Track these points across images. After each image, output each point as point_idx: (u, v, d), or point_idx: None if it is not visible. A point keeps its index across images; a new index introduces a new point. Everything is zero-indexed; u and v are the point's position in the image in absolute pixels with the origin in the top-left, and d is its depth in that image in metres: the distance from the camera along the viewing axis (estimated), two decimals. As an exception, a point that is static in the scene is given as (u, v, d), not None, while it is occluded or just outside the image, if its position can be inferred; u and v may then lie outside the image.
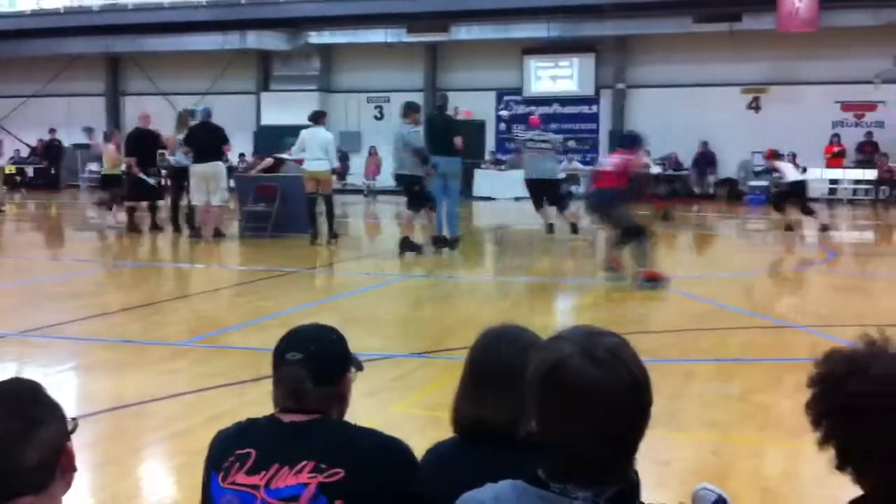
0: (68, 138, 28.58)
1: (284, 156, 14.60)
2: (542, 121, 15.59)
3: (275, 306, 8.90)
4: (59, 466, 1.80)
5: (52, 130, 28.17)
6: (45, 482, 1.78)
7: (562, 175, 16.67)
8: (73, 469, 1.84)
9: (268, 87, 28.50)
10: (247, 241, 14.25)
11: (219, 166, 14.30)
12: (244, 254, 13.52)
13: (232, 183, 15.49)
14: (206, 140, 14.14)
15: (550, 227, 14.50)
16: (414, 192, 12.70)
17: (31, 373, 6.60)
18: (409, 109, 12.84)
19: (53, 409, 1.83)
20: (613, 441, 1.59)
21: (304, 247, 13.36)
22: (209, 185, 14.13)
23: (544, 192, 14.55)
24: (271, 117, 26.94)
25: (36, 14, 28.37)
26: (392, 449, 2.33)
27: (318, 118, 13.88)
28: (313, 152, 13.46)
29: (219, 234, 14.39)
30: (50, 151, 28.35)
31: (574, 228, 14.27)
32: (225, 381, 5.98)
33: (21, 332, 7.49)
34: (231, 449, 2.30)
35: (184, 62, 28.03)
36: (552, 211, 14.56)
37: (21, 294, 9.94)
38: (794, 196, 15.93)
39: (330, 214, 13.78)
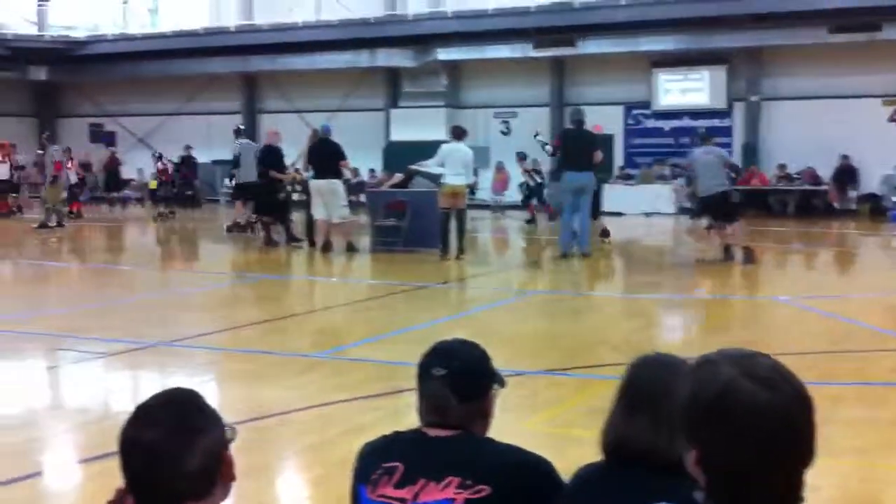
0: (208, 155, 29.70)
1: (423, 168, 14.74)
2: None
3: (406, 321, 9.00)
4: (219, 475, 1.86)
5: (187, 147, 29.23)
6: (206, 489, 1.84)
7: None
8: (233, 478, 1.89)
9: (396, 104, 28.94)
10: (377, 255, 14.47)
11: (336, 183, 14.64)
12: (375, 268, 13.73)
13: (363, 198, 15.78)
14: (324, 157, 14.54)
15: (728, 251, 13.11)
16: None
17: (172, 382, 6.86)
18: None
19: (214, 417, 1.89)
20: (785, 465, 1.53)
21: (434, 262, 13.47)
22: (327, 201, 14.49)
23: (719, 207, 13.20)
24: (400, 133, 27.32)
25: (177, 35, 29.60)
26: (538, 467, 2.31)
27: (459, 134, 14.07)
28: (454, 167, 13.61)
29: (351, 249, 14.67)
30: (186, 168, 29.40)
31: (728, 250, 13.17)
32: (358, 393, 6.06)
33: (163, 342, 7.79)
34: (378, 462, 2.32)
35: (316, 80, 28.74)
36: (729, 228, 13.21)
37: (162, 305, 10.35)
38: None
39: (462, 230, 13.88)
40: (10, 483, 4.47)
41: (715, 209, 13.20)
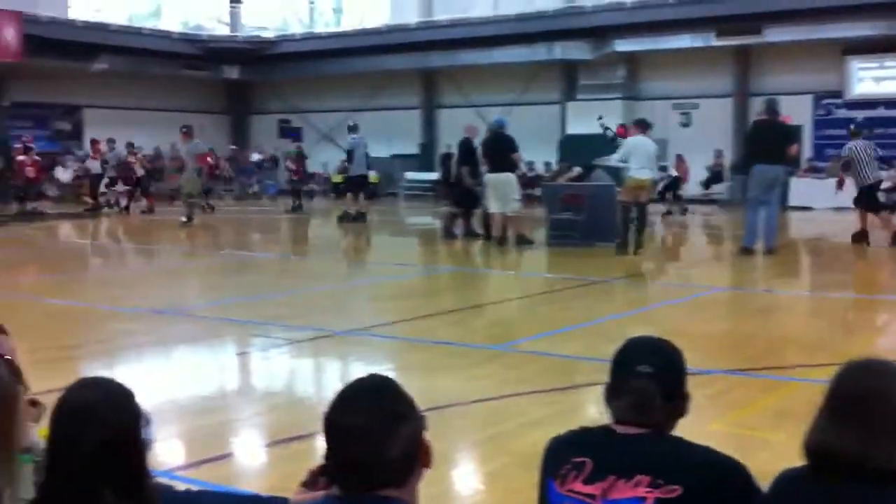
0: (388, 150, 30.43)
1: (607, 163, 14.56)
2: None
3: (583, 315, 8.91)
4: (417, 461, 1.87)
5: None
6: (405, 477, 1.86)
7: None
8: (429, 465, 1.90)
9: (573, 97, 28.71)
10: (553, 249, 14.40)
11: (509, 177, 14.71)
12: (552, 262, 13.67)
13: (538, 191, 15.75)
14: (498, 150, 14.64)
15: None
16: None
17: (354, 371, 7.04)
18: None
19: (412, 405, 1.91)
20: None
21: (611, 256, 13.27)
22: (501, 194, 14.56)
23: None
24: (576, 126, 27.08)
25: (359, 33, 30.44)
26: (732, 469, 2.24)
27: (644, 127, 13.87)
28: (640, 161, 13.42)
29: (525, 242, 14.69)
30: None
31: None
32: (535, 387, 6.03)
33: (345, 331, 8.01)
34: (567, 457, 2.30)
35: (493, 74, 28.89)
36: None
37: (345, 295, 10.66)
38: None
39: (643, 224, 13.64)
40: (205, 463, 4.69)
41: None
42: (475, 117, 24.74)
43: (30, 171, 21.99)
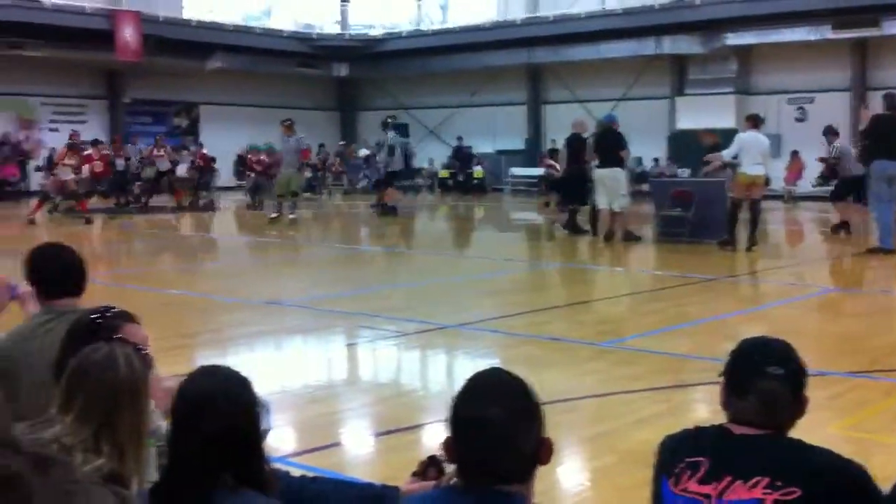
0: (493, 146, 30.48)
1: (724, 158, 14.23)
2: None
3: (695, 313, 8.75)
4: (538, 459, 1.88)
5: (458, 138, 30.10)
6: (530, 473, 1.87)
7: None
8: (547, 462, 1.91)
9: (682, 92, 28.19)
10: (662, 245, 14.18)
11: (618, 172, 14.57)
12: (660, 258, 13.47)
13: (646, 187, 15.53)
14: (607, 146, 14.51)
15: None
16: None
17: (461, 364, 7.08)
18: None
19: (539, 401, 1.92)
20: None
21: (722, 253, 13.01)
22: (609, 190, 14.43)
23: None
24: (686, 122, 26.60)
25: (465, 30, 30.53)
26: (854, 473, 2.17)
27: (756, 123, 13.59)
28: (753, 157, 13.13)
29: (632, 238, 14.52)
30: (460, 158, 30.30)
31: None
32: (647, 385, 5.96)
33: (452, 325, 8.06)
34: (681, 456, 2.27)
35: (599, 70, 28.60)
36: None
37: (453, 289, 10.73)
38: None
39: (755, 221, 13.32)
40: (316, 451, 4.79)
41: None
42: (581, 112, 24.54)
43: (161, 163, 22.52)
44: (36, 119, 27.01)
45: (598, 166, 14.69)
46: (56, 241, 3.85)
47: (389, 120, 20.62)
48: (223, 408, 2.11)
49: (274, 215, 18.26)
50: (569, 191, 16.10)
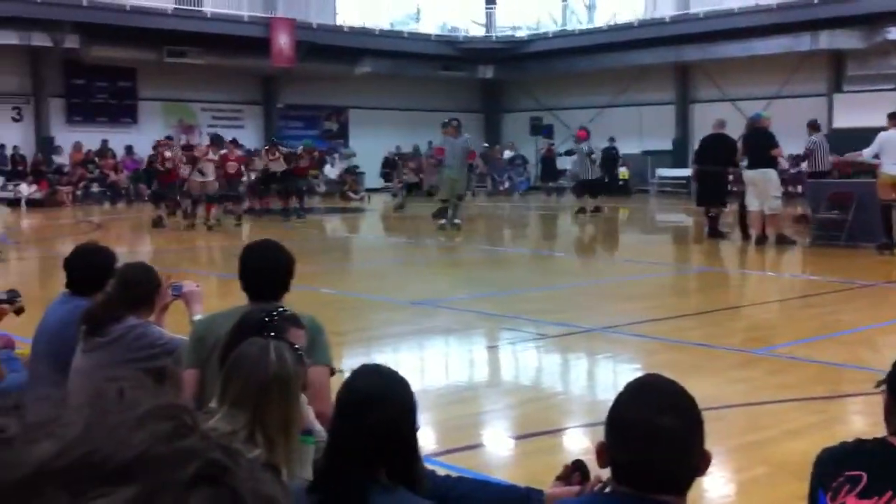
0: (639, 146, 30.03)
1: (864, 157, 13.63)
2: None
3: (851, 320, 8.38)
4: (699, 470, 1.86)
5: (610, 139, 29.71)
6: (691, 483, 1.85)
7: None
8: (703, 474, 1.88)
9: (840, 89, 27.01)
10: (816, 249, 13.63)
11: (769, 172, 14.04)
12: (815, 263, 12.95)
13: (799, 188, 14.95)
14: (758, 146, 14.03)
15: None
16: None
17: (604, 368, 7.01)
18: None
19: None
20: None
21: (880, 258, 12.40)
22: (760, 191, 13.96)
23: None
24: (844, 120, 25.46)
25: (611, 29, 30.17)
26: None
27: None
28: (893, 156, 12.51)
29: (786, 241, 14.01)
30: (607, 160, 29.88)
31: None
32: (799, 394, 5.75)
33: (598, 328, 7.98)
34: (840, 469, 2.18)
35: (750, 67, 27.71)
36: None
37: (598, 292, 10.62)
38: None
39: None
40: (458, 451, 4.82)
41: None
42: (732, 111, 23.86)
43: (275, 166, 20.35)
44: (196, 124, 28.32)
45: (748, 167, 14.23)
46: (266, 238, 4.04)
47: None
48: (386, 405, 2.17)
49: (442, 222, 17.39)
50: (705, 193, 15.62)
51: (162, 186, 18.72)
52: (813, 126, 16.21)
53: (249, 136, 28.94)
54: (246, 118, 29.83)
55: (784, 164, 15.67)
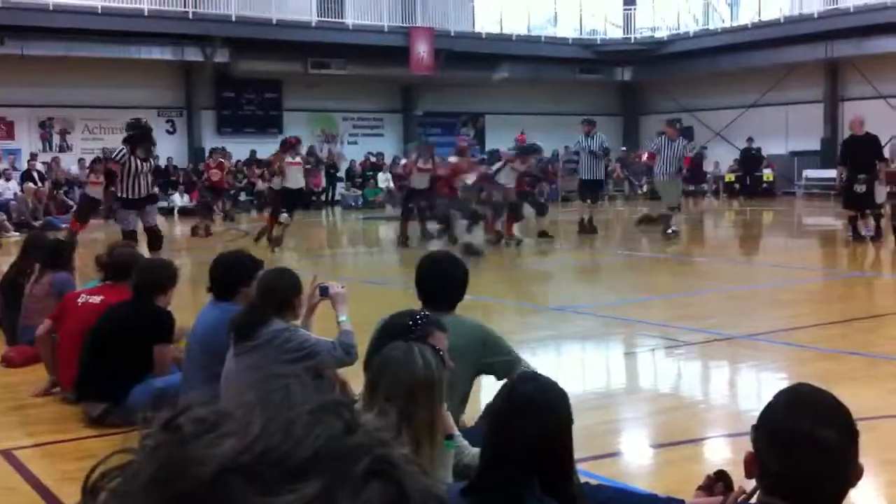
0: (786, 146, 29.01)
1: None
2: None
3: None
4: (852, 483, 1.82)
5: (749, 139, 28.80)
6: (843, 498, 1.81)
7: None
8: (854, 486, 1.83)
9: None
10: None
11: None
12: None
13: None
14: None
15: None
16: None
17: (748, 377, 6.81)
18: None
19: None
20: None
21: None
22: None
23: None
24: None
25: (756, 26, 29.24)
26: None
27: None
28: None
29: None
30: (747, 161, 28.97)
31: None
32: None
33: (742, 335, 7.76)
34: None
35: (905, 62, 26.40)
36: None
37: (741, 298, 10.32)
38: None
39: None
40: (597, 459, 4.77)
41: None
42: (886, 109, 22.79)
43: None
44: (338, 133, 29.03)
45: None
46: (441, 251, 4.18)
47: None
48: (542, 414, 2.18)
49: (672, 230, 16.12)
50: (851, 197, 14.91)
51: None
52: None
53: (388, 143, 29.50)
54: (385, 126, 30.39)
55: None
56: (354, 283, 10.33)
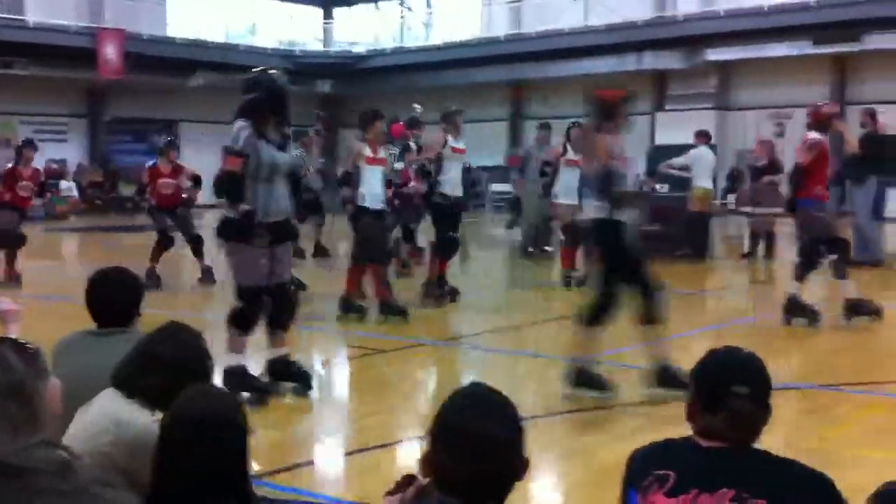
0: (474, 161, 30.53)
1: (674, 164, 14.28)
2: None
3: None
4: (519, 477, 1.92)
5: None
6: (510, 490, 1.89)
7: None
8: (522, 479, 1.93)
9: (662, 107, 28.33)
10: None
11: None
12: None
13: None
14: None
15: None
16: None
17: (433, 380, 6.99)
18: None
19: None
20: None
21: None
22: None
23: None
24: (665, 137, 26.71)
25: (449, 46, 30.52)
26: (820, 484, 2.18)
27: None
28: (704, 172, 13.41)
29: None
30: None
31: None
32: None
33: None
34: (649, 469, 2.27)
35: (580, 86, 28.51)
36: None
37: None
38: None
39: None
40: (289, 470, 4.70)
41: None
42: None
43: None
44: (14, 137, 27.00)
45: None
46: None
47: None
48: (214, 430, 2.10)
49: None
50: None
51: None
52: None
53: (72, 149, 27.86)
54: (70, 132, 28.63)
55: None
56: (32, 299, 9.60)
